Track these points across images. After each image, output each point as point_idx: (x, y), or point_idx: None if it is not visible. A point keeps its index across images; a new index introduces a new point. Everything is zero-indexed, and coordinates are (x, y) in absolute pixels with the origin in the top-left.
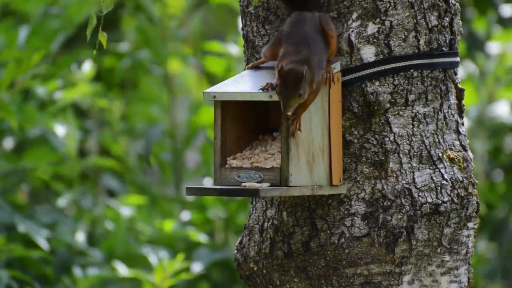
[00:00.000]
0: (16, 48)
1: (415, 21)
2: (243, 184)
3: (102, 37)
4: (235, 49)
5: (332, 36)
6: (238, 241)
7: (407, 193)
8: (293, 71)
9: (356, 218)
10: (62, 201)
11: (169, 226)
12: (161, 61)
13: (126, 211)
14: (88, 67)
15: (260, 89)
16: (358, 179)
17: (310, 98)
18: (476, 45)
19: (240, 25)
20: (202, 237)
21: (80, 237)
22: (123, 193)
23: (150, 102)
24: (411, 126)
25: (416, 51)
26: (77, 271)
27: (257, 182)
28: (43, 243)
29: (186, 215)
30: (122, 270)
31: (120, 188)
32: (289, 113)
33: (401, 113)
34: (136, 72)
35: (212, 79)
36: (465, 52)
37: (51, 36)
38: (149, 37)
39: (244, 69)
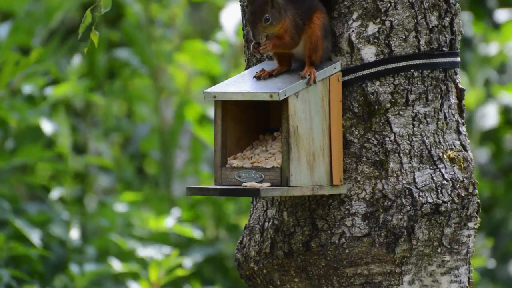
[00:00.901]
0: None
1: (415, 21)
2: (243, 184)
3: (94, 36)
4: (215, 46)
5: (318, 18)
6: (239, 241)
7: (407, 193)
8: None
9: (356, 218)
10: (54, 196)
11: (161, 223)
12: (147, 61)
13: (120, 208)
14: (77, 61)
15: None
16: (358, 179)
17: (284, 34)
18: (463, 44)
19: (223, 21)
20: (196, 233)
21: (74, 234)
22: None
23: (137, 100)
24: (411, 126)
25: (417, 51)
26: (73, 268)
27: (258, 182)
28: (36, 241)
29: (176, 212)
30: (118, 266)
31: (112, 184)
32: (260, 42)
33: (401, 113)
34: (115, 70)
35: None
36: None
37: (31, 32)
38: (135, 39)
39: (244, 69)
